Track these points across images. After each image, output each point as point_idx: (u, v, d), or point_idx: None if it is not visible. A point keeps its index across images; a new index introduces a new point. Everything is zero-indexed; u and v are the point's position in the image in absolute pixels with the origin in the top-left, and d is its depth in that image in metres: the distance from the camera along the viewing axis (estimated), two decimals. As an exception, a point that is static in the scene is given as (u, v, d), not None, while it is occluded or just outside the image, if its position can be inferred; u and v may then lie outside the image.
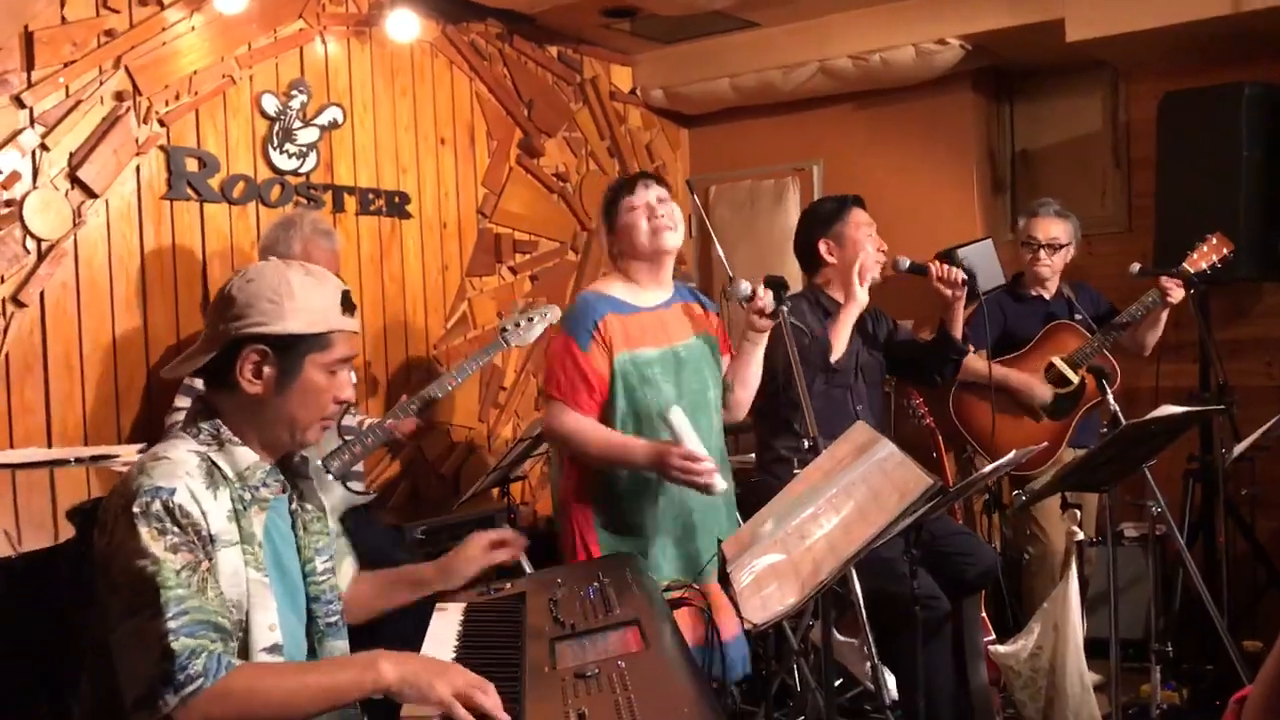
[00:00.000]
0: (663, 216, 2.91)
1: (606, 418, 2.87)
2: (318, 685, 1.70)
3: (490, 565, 2.31)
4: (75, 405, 3.50)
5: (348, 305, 1.89)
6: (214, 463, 1.81)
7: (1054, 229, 4.17)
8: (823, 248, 3.57)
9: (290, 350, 1.82)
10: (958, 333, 3.54)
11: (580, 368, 2.84)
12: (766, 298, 2.87)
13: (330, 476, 3.49)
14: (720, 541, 2.34)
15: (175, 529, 1.69)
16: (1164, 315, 4.00)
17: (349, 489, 3.52)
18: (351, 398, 1.95)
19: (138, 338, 3.66)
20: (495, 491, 4.35)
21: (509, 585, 2.46)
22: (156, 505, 1.69)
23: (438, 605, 2.36)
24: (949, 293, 3.45)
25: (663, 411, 2.75)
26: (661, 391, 2.85)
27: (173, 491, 1.71)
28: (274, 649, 1.79)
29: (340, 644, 2.00)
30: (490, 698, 1.68)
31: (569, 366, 2.86)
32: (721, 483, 2.69)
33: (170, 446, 1.80)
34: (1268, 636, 3.76)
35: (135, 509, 1.68)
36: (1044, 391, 4.06)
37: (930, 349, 3.64)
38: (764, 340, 2.97)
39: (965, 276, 3.44)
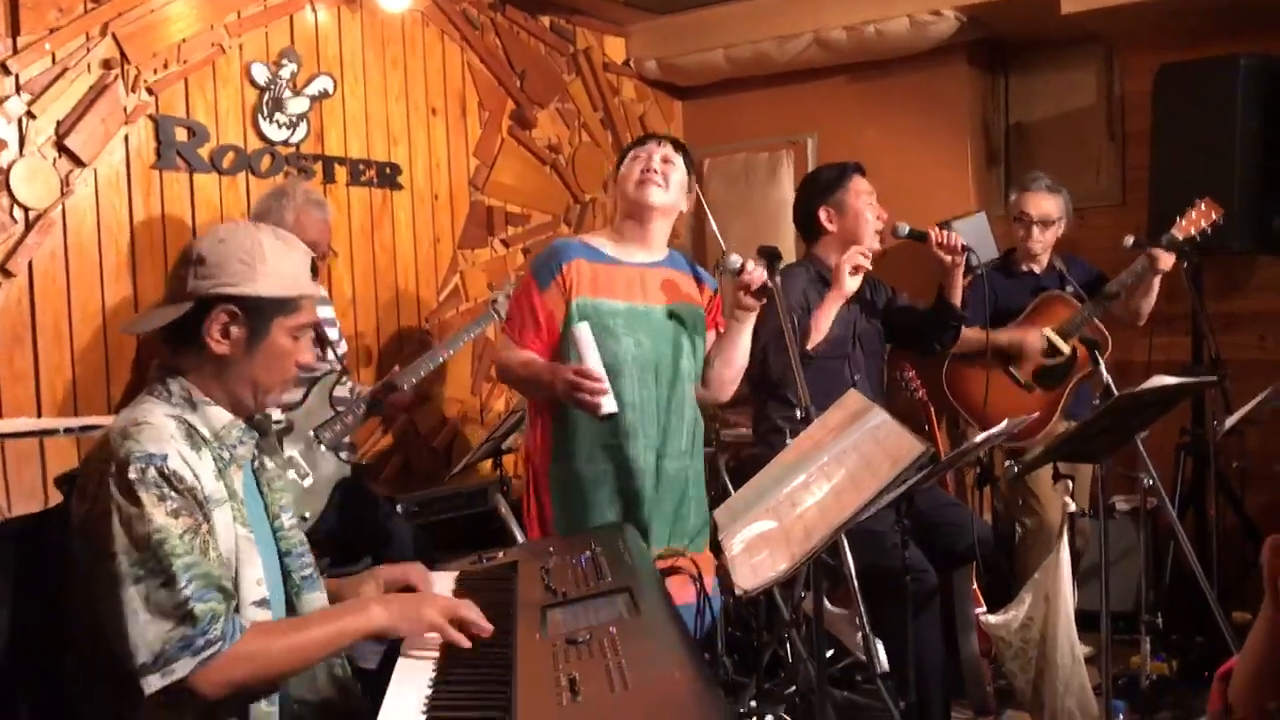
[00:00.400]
0: (655, 173, 2.87)
1: (564, 358, 2.80)
2: (322, 636, 1.78)
3: None
4: (65, 375, 3.48)
5: (314, 271, 1.94)
6: (190, 425, 1.81)
7: (1046, 205, 4.15)
8: (823, 215, 3.55)
9: (259, 312, 1.84)
10: (957, 299, 3.53)
11: (533, 306, 2.83)
12: (756, 271, 2.81)
13: (322, 447, 3.48)
14: (712, 510, 2.33)
15: (174, 494, 1.71)
16: (1156, 282, 3.99)
17: (340, 459, 3.51)
18: (313, 361, 1.98)
19: (127, 308, 3.63)
20: (488, 464, 4.36)
21: (501, 554, 2.46)
22: (152, 472, 1.70)
23: (430, 573, 2.36)
24: (948, 259, 3.44)
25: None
26: (621, 343, 2.79)
27: (165, 457, 1.72)
28: (262, 603, 1.82)
29: (318, 595, 2.01)
30: (473, 612, 1.86)
31: (523, 304, 2.87)
32: (610, 405, 2.61)
33: (146, 411, 1.80)
34: (1257, 609, 3.79)
35: (131, 475, 1.68)
36: (1035, 339, 4.06)
37: (929, 316, 3.63)
38: (751, 319, 2.90)
39: (964, 243, 3.43)
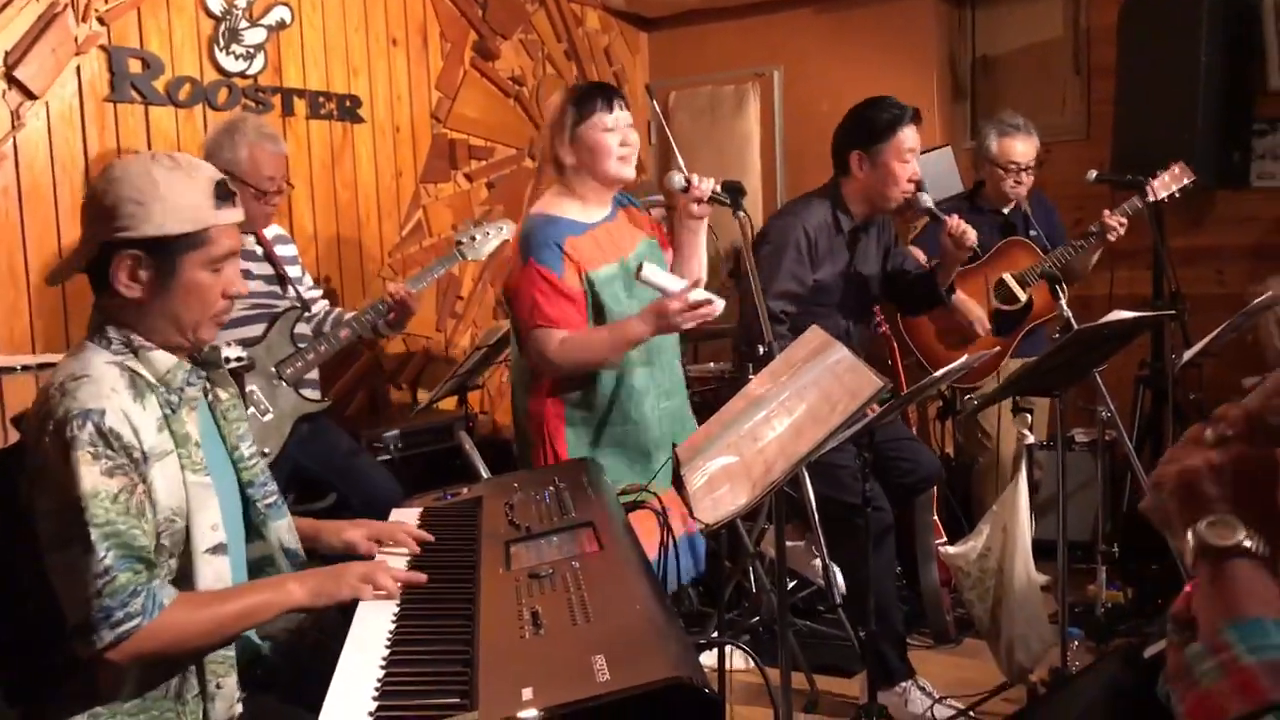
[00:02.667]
0: (630, 146, 2.87)
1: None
2: (236, 611, 1.76)
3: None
4: (22, 314, 3.43)
5: (223, 195, 1.80)
6: (134, 371, 1.77)
7: (1029, 150, 4.12)
8: (854, 159, 3.39)
9: (164, 251, 1.76)
10: (945, 284, 3.48)
11: (561, 291, 2.78)
12: (703, 184, 2.82)
13: (284, 383, 3.47)
14: (674, 445, 2.35)
15: (109, 452, 1.67)
16: (1098, 251, 4.02)
17: (302, 395, 3.50)
18: (244, 290, 1.89)
19: (84, 244, 3.57)
20: (453, 400, 4.35)
21: (465, 490, 2.47)
22: (90, 428, 1.66)
23: (394, 510, 2.37)
24: (955, 250, 3.35)
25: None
26: (624, 306, 2.84)
27: (103, 413, 1.67)
28: (218, 549, 1.81)
29: (282, 522, 2.02)
30: (388, 573, 1.83)
31: (549, 292, 2.78)
32: (720, 303, 2.68)
33: (86, 362, 1.75)
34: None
35: (67, 434, 1.65)
36: (982, 318, 4.07)
37: (914, 288, 3.58)
38: (703, 229, 2.94)
39: (975, 240, 3.32)
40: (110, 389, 1.72)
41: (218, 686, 1.78)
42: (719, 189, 2.84)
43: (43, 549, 1.68)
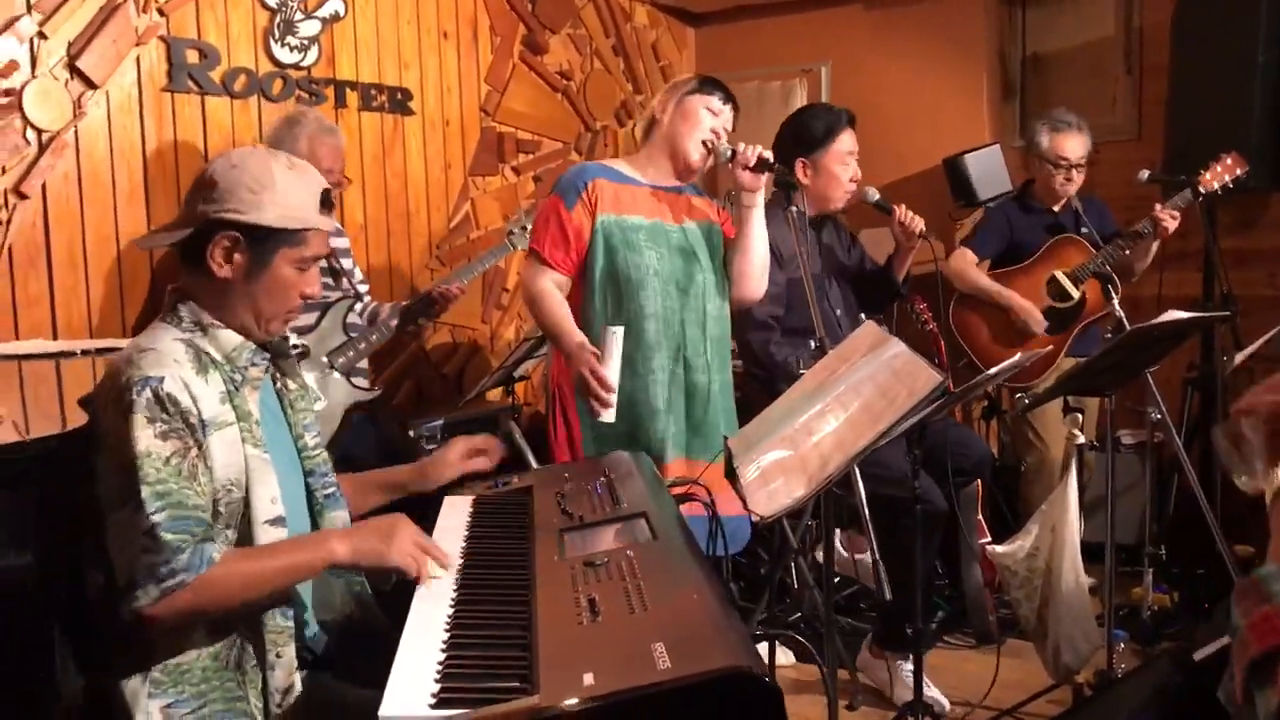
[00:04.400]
0: (718, 137, 2.96)
1: (587, 276, 2.93)
2: (274, 568, 1.77)
3: (467, 472, 2.33)
4: (80, 299, 3.49)
5: (326, 203, 1.92)
6: (200, 348, 1.83)
7: (1079, 147, 4.09)
8: (799, 167, 3.54)
9: (263, 241, 1.84)
10: (900, 275, 3.57)
11: (562, 225, 2.90)
12: (749, 150, 2.89)
13: (335, 372, 3.51)
14: (726, 438, 2.36)
15: (164, 415, 1.72)
16: (1154, 245, 3.98)
17: (353, 384, 3.54)
18: (318, 294, 1.97)
19: (140, 231, 3.62)
20: (499, 391, 4.38)
21: (516, 479, 2.49)
22: (147, 393, 1.71)
23: (446, 497, 2.39)
24: (902, 239, 3.46)
25: (606, 324, 2.79)
26: (644, 257, 2.89)
27: (161, 380, 1.73)
28: (277, 521, 1.84)
29: (340, 514, 2.05)
30: (437, 551, 1.84)
31: (552, 223, 2.92)
32: (609, 417, 2.74)
33: (154, 338, 1.82)
34: (1259, 542, 3.83)
35: (126, 399, 1.70)
36: (1039, 323, 4.06)
37: (870, 281, 3.68)
38: (759, 203, 2.98)
39: (924, 228, 3.42)
40: (173, 360, 1.78)
41: (278, 656, 1.82)
42: (767, 155, 2.90)
43: (104, 515, 1.72)
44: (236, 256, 1.84)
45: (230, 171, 1.84)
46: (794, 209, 2.87)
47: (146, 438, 1.69)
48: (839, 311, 3.53)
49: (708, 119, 2.95)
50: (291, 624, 1.84)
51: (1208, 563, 3.69)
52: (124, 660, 1.77)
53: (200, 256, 1.84)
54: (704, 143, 2.95)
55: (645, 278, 2.89)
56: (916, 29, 5.11)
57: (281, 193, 1.84)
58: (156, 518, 1.66)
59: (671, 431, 2.93)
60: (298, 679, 1.83)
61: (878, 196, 3.47)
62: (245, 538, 1.81)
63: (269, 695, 1.80)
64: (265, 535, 1.82)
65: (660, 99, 3.03)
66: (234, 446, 1.80)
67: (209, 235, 1.83)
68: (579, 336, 2.83)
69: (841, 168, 3.53)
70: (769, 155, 2.91)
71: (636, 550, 1.82)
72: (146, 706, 1.74)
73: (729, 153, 2.92)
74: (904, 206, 3.44)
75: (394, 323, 3.61)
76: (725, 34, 5.68)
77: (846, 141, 3.54)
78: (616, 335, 2.74)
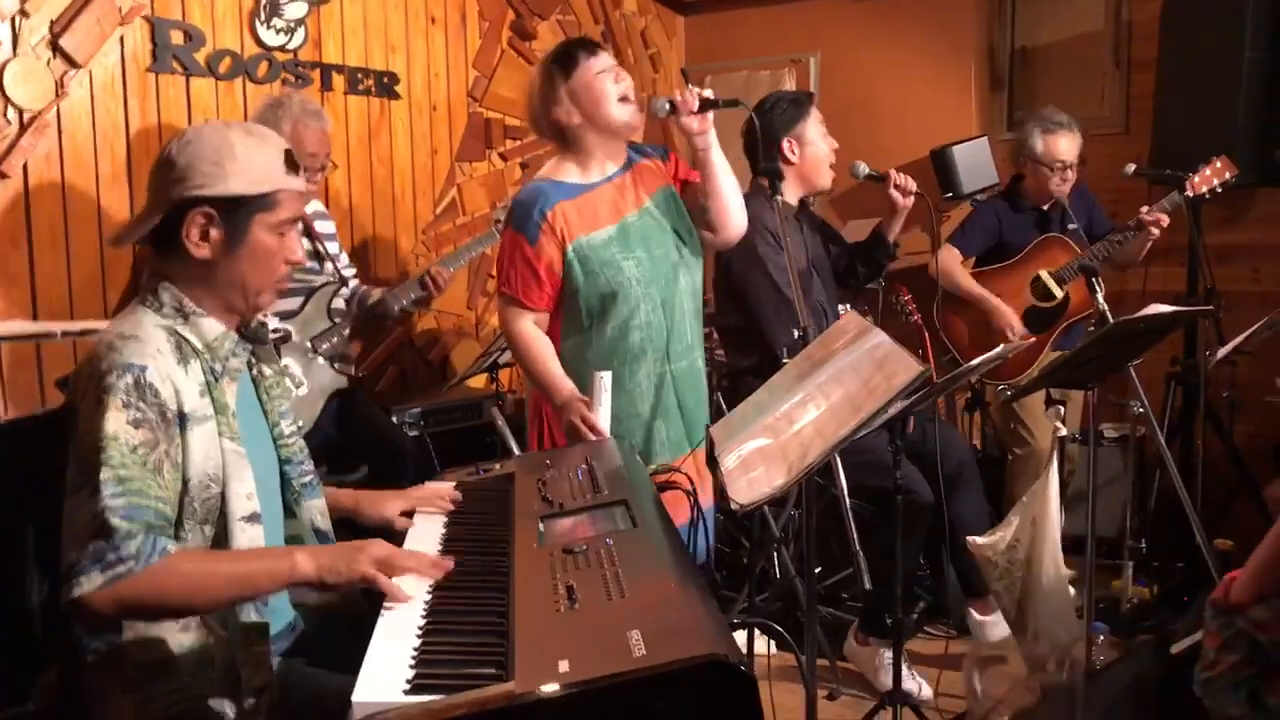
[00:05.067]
0: (627, 83, 2.82)
1: (570, 305, 2.84)
2: (230, 573, 1.69)
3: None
4: (61, 279, 3.47)
5: (291, 164, 1.86)
6: (181, 336, 1.79)
7: (1072, 147, 4.07)
8: (786, 146, 3.53)
9: (236, 211, 1.80)
10: (892, 236, 3.59)
11: (530, 262, 2.79)
12: (688, 94, 2.73)
13: (318, 358, 3.49)
14: (708, 426, 2.35)
15: (141, 404, 1.67)
16: (1146, 244, 3.99)
17: (336, 370, 3.52)
18: (303, 260, 1.92)
19: (123, 213, 3.60)
20: (483, 377, 4.37)
21: (498, 466, 2.48)
22: (128, 379, 1.67)
23: (426, 483, 2.39)
24: (902, 200, 3.46)
25: (595, 369, 2.73)
26: (623, 269, 2.80)
27: (144, 369, 1.69)
28: (253, 517, 1.80)
29: (317, 502, 2.02)
30: (412, 559, 1.73)
31: (519, 263, 2.80)
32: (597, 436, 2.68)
33: (136, 323, 1.77)
34: (1239, 537, 3.86)
35: (105, 382, 1.66)
36: (1017, 330, 4.07)
37: (860, 249, 3.69)
38: (712, 141, 2.80)
39: (915, 185, 3.47)
40: (156, 349, 1.73)
41: (253, 653, 1.78)
42: (709, 94, 2.75)
43: (65, 497, 1.67)
44: (212, 232, 1.80)
45: (187, 148, 1.79)
46: (779, 198, 2.84)
47: (118, 421, 1.65)
48: (823, 302, 3.54)
49: (606, 81, 2.78)
50: (268, 621, 1.81)
51: (1187, 557, 3.71)
52: (95, 653, 1.74)
53: (175, 240, 1.79)
54: (631, 104, 2.81)
55: (629, 290, 2.80)
56: (906, 20, 5.10)
57: (243, 160, 1.79)
58: (112, 502, 1.60)
59: (665, 435, 2.89)
60: (271, 675, 1.81)
61: (866, 169, 3.50)
62: (221, 534, 1.78)
63: (242, 693, 1.76)
64: (241, 532, 1.78)
65: (547, 110, 2.83)
66: (211, 441, 1.76)
67: (180, 217, 1.79)
68: (569, 387, 2.75)
69: (825, 139, 3.56)
70: (709, 93, 2.75)
71: (616, 538, 1.81)
72: (118, 699, 1.71)
73: (667, 107, 2.74)
74: (894, 169, 3.47)
75: (378, 310, 3.60)
76: (714, 23, 5.67)
77: (817, 112, 3.60)
78: (605, 381, 2.69)
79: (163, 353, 1.74)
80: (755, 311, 3.43)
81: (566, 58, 2.81)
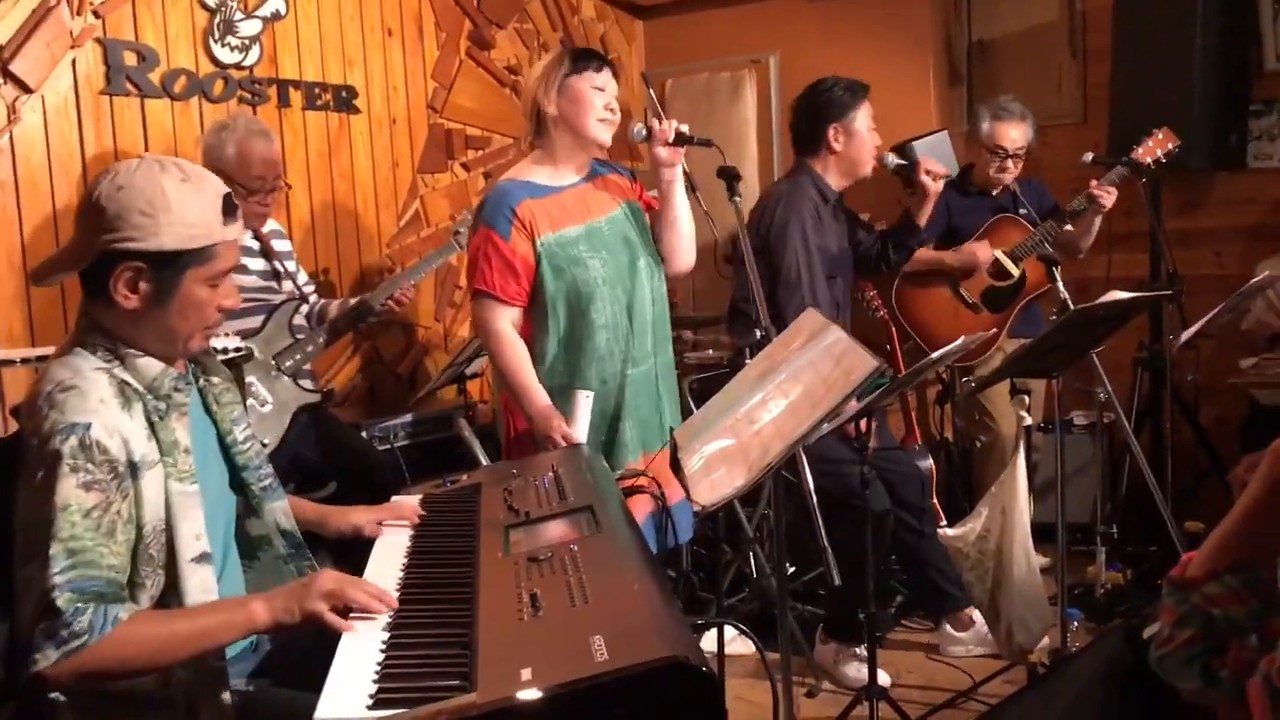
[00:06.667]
0: (614, 113, 2.88)
1: (538, 303, 2.85)
2: (189, 631, 1.67)
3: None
4: (20, 307, 3.44)
5: (229, 210, 1.77)
6: (120, 379, 1.73)
7: (1020, 136, 4.11)
8: (831, 133, 3.59)
9: (168, 267, 1.71)
10: (922, 221, 3.63)
11: (504, 256, 2.81)
12: (665, 125, 2.84)
13: (283, 375, 3.47)
14: (672, 430, 2.36)
15: (89, 465, 1.63)
16: (1096, 221, 4.02)
17: (300, 386, 3.50)
18: (237, 304, 1.86)
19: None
20: (452, 390, 4.36)
21: (465, 477, 2.48)
22: (73, 442, 1.62)
23: (394, 497, 2.38)
24: (932, 185, 3.55)
25: (577, 387, 2.78)
26: (590, 269, 2.83)
27: (88, 427, 1.64)
28: (202, 558, 1.77)
29: (279, 504, 2.01)
30: (360, 590, 1.69)
31: (493, 257, 2.81)
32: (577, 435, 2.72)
33: (75, 370, 1.71)
34: (1209, 519, 3.88)
35: (50, 447, 1.62)
36: (985, 254, 4.09)
37: (891, 234, 3.73)
38: (678, 176, 2.91)
39: (946, 171, 3.60)
40: (99, 400, 1.68)
41: (209, 697, 1.76)
42: (684, 129, 2.86)
43: (14, 566, 1.64)
44: (142, 285, 1.72)
45: (118, 195, 1.68)
46: (738, 199, 2.85)
47: (68, 488, 1.60)
48: (838, 296, 3.61)
49: (598, 98, 2.84)
50: (224, 665, 1.79)
51: (1160, 540, 3.74)
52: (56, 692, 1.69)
53: (104, 288, 1.72)
54: (609, 124, 2.87)
55: (595, 290, 2.82)
56: (862, 18, 5.12)
57: (178, 211, 1.69)
58: (59, 579, 1.57)
59: (626, 437, 2.91)
60: (233, 716, 1.78)
61: (896, 159, 3.60)
62: (173, 577, 1.75)
63: None
64: (191, 573, 1.75)
65: (538, 90, 2.87)
66: (158, 485, 1.72)
67: (109, 266, 1.70)
68: (544, 399, 2.77)
69: (871, 132, 3.62)
70: (685, 129, 2.86)
71: (581, 543, 1.81)
72: None
73: (644, 132, 2.86)
74: (924, 155, 3.60)
75: (340, 324, 3.58)
76: (673, 26, 5.67)
77: (869, 106, 3.65)
78: (587, 400, 2.73)
79: (105, 402, 1.68)
80: (780, 286, 3.47)
81: (581, 58, 2.88)
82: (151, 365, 1.77)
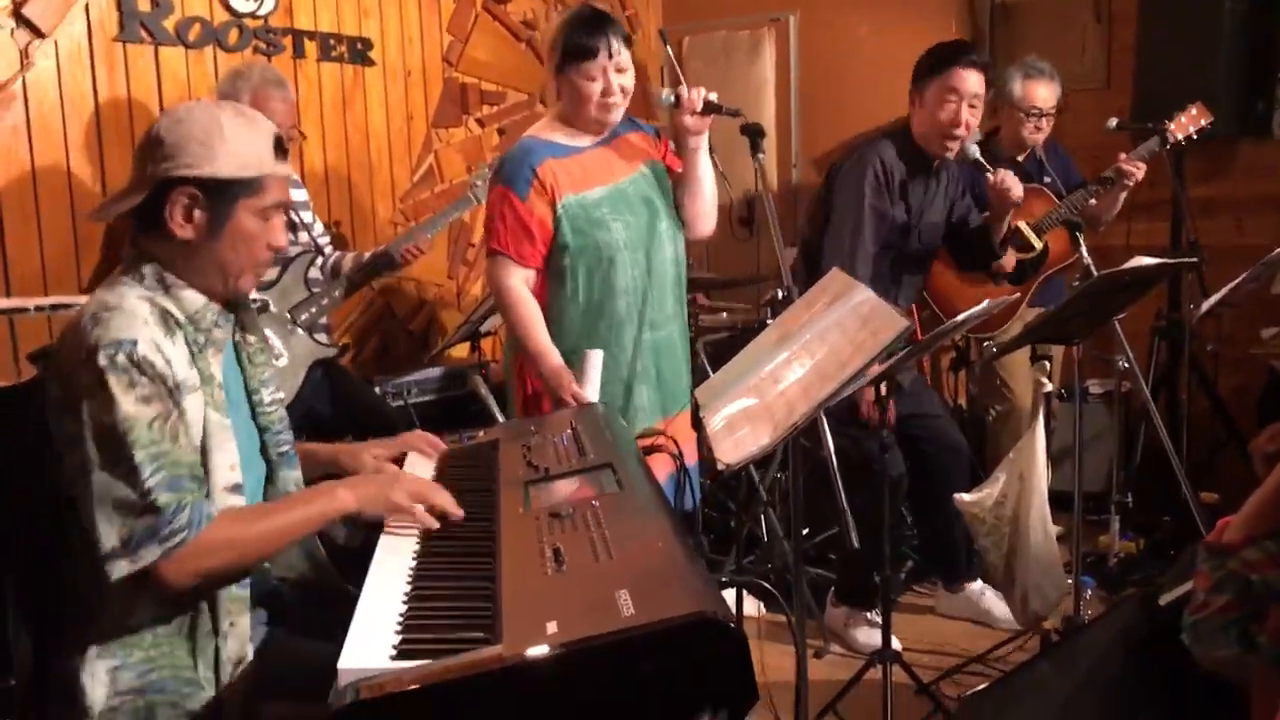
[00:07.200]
0: (615, 93, 2.78)
1: (556, 265, 2.81)
2: (288, 522, 1.78)
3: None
4: (33, 254, 3.42)
5: (280, 149, 1.84)
6: (165, 309, 1.76)
7: (1051, 95, 4.03)
8: (911, 96, 3.41)
9: (222, 194, 1.78)
10: (996, 239, 3.43)
11: (520, 218, 2.76)
12: (694, 93, 2.76)
13: (298, 329, 3.45)
14: (693, 389, 2.34)
15: (144, 380, 1.67)
16: (1121, 196, 3.96)
17: (316, 340, 3.49)
18: (285, 246, 1.91)
19: (95, 186, 3.55)
20: (465, 347, 4.34)
21: (482, 433, 2.46)
22: (122, 358, 1.66)
23: (410, 453, 2.36)
24: (999, 204, 3.31)
25: (581, 332, 2.75)
26: (612, 231, 2.79)
27: (135, 343, 1.68)
28: (235, 488, 1.79)
29: (294, 473, 2.02)
30: (442, 496, 1.83)
31: (508, 217, 2.77)
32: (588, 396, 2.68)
33: (119, 295, 1.75)
34: (1224, 489, 3.87)
35: (100, 362, 1.65)
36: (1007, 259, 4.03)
37: (971, 241, 3.53)
38: (703, 146, 2.87)
39: (1019, 195, 3.30)
40: (142, 321, 1.72)
41: (231, 625, 1.78)
42: (713, 98, 2.79)
43: (73, 476, 1.67)
44: (196, 214, 1.77)
45: (176, 127, 1.76)
46: (761, 155, 2.79)
47: (128, 403, 1.65)
48: (904, 271, 3.48)
49: (594, 88, 2.75)
50: (248, 593, 1.81)
51: (1174, 510, 3.72)
52: (74, 626, 1.74)
53: (158, 219, 1.77)
54: (610, 108, 2.78)
55: (616, 254, 2.79)
56: (885, -24, 5.05)
57: (232, 142, 1.76)
58: (152, 481, 1.64)
59: (644, 400, 2.88)
60: (250, 650, 1.80)
61: (977, 153, 3.31)
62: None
63: (220, 665, 1.76)
64: (225, 501, 1.77)
65: (547, 60, 2.82)
66: (199, 411, 1.76)
67: (164, 196, 1.76)
68: (556, 358, 2.74)
69: (943, 105, 3.29)
70: (714, 97, 2.79)
71: (602, 500, 1.79)
72: (94, 669, 1.70)
73: (672, 99, 2.78)
74: (1003, 171, 3.28)
75: (356, 278, 3.55)
76: (692, -18, 5.60)
77: (957, 79, 3.29)
78: (597, 359, 2.69)
79: (148, 324, 1.72)
80: (827, 235, 3.36)
81: (572, 51, 2.74)
82: (196, 298, 1.81)
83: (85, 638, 1.72)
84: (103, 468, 1.65)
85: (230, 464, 1.79)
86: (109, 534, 1.64)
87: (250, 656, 1.80)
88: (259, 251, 1.84)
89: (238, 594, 1.79)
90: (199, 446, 1.76)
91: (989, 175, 3.28)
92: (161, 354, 1.71)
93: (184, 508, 1.66)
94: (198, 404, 1.76)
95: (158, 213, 1.77)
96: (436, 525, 1.78)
